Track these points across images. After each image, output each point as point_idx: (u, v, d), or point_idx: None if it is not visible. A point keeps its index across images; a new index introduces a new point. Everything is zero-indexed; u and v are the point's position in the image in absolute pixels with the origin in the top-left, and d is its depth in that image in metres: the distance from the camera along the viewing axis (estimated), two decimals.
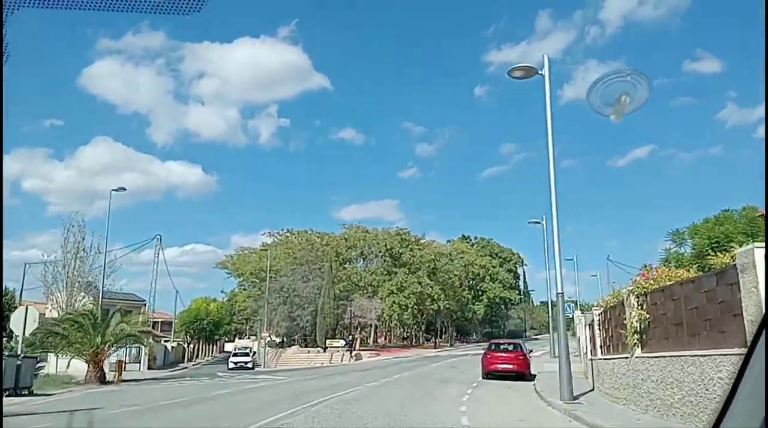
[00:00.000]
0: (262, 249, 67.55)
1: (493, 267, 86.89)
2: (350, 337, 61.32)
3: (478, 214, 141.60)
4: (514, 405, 15.09)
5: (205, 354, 73.42)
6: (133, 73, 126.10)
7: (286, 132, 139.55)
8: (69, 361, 30.91)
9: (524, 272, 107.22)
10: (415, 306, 69.63)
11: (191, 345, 69.49)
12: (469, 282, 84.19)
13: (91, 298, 40.65)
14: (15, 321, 21.75)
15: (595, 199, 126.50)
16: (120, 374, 31.32)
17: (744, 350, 1.57)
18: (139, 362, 44.45)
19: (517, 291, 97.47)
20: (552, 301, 46.32)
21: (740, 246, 8.82)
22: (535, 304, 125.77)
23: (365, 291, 67.51)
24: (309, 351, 56.68)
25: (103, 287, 37.87)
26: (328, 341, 56.11)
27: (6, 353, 23.20)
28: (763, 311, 7.49)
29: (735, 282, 8.47)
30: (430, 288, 68.72)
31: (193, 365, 57.73)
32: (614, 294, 16.68)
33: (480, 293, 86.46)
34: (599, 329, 17.28)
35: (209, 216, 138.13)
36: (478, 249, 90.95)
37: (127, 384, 28.49)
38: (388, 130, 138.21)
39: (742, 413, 1.49)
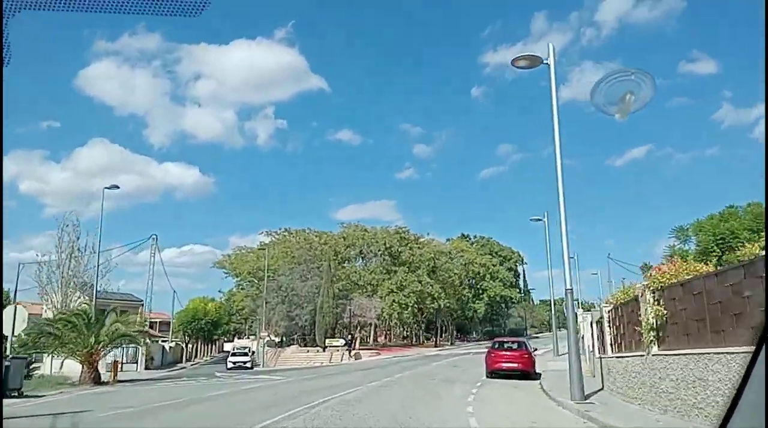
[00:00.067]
0: (260, 249, 67.00)
1: (493, 265, 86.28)
2: (349, 336, 60.74)
3: (476, 214, 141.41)
4: (522, 406, 14.47)
5: (203, 354, 72.78)
6: (130, 74, 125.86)
7: (283, 133, 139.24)
8: (62, 362, 30.20)
9: (524, 270, 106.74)
10: (415, 305, 69.01)
11: (189, 345, 68.84)
12: (469, 280, 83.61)
13: (87, 298, 40.02)
14: (3, 322, 21.09)
15: (593, 198, 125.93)
16: (115, 374, 30.72)
17: None
18: (137, 362, 43.91)
19: (518, 290, 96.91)
20: (555, 300, 45.94)
21: (746, 242, 8.27)
22: (534, 303, 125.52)
23: (364, 290, 66.91)
24: (308, 351, 56.09)
25: (96, 286, 37.18)
26: (327, 340, 55.52)
27: None
28: None
29: (764, 274, 7.89)
30: (430, 287, 68.09)
31: (192, 365, 57.06)
32: (625, 291, 16.12)
33: (480, 291, 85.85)
34: (609, 326, 16.67)
35: (207, 218, 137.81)
36: (478, 247, 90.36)
37: (122, 385, 27.88)
38: (386, 131, 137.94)
39: (749, 412, 1.43)
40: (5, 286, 45.71)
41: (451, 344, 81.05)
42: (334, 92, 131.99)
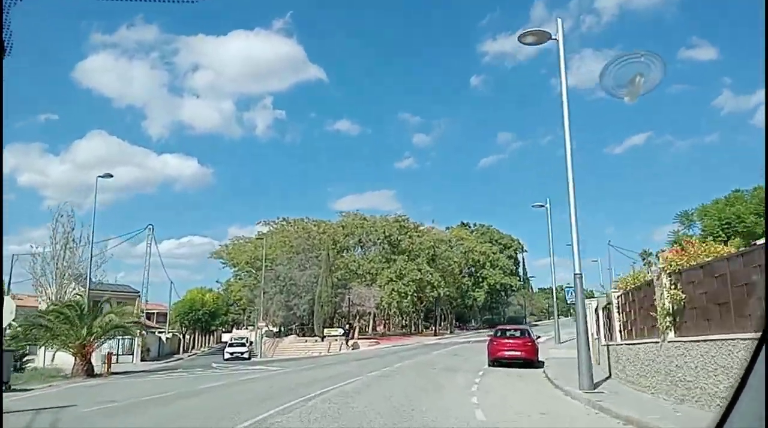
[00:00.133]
0: (257, 238, 66.21)
1: (494, 253, 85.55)
2: (348, 326, 60.17)
3: (475, 203, 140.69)
4: (529, 395, 13.82)
5: (201, 345, 72.29)
6: (128, 66, 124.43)
7: (282, 124, 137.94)
8: (54, 354, 29.57)
9: (523, 258, 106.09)
10: (415, 294, 68.38)
11: (187, 337, 68.30)
12: (469, 268, 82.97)
13: (83, 289, 39.37)
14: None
15: (593, 187, 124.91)
16: (109, 367, 30.16)
17: None
18: (132, 354, 43.37)
19: (518, 278, 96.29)
20: (557, 286, 45.39)
21: (752, 227, 7.58)
22: (534, 291, 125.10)
23: (363, 279, 66.25)
24: (306, 341, 55.58)
25: (89, 277, 36.43)
26: (326, 330, 54.97)
27: None
28: None
29: (764, 263, 7.22)
30: (430, 276, 67.42)
31: (189, 356, 56.55)
32: (635, 276, 15.46)
33: (480, 280, 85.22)
34: (618, 312, 16.01)
35: (206, 209, 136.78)
36: (478, 235, 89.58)
37: (115, 377, 27.29)
38: (384, 121, 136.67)
39: (750, 409, 1.38)
40: None
41: (451, 333, 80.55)
42: (332, 82, 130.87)
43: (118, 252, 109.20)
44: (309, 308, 58.08)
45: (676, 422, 8.97)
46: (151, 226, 58.91)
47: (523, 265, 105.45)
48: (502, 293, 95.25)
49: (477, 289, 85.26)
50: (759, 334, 1.43)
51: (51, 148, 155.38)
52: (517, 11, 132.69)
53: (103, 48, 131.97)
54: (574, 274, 14.46)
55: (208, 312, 71.31)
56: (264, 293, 55.82)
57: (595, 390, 13.20)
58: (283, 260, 61.99)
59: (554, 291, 44.14)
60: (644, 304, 13.12)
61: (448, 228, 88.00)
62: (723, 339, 8.98)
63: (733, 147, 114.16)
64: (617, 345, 16.01)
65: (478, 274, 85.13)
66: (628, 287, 15.03)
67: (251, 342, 50.12)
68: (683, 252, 11.16)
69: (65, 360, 29.54)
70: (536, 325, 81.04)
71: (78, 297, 32.75)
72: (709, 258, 10.21)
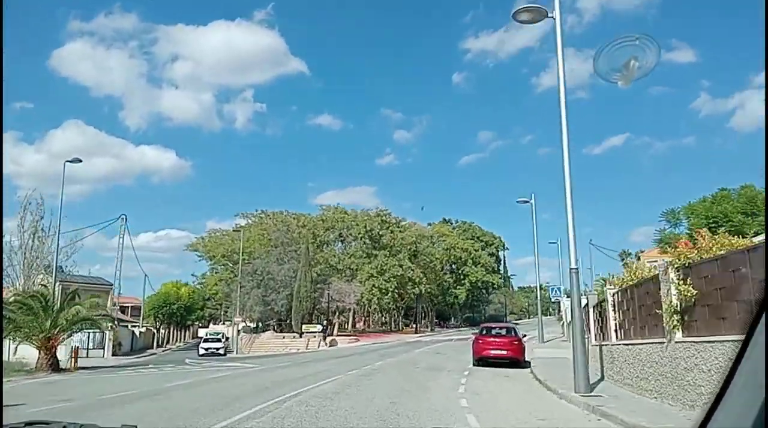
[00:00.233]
0: (235, 231, 64.76)
1: (476, 250, 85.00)
2: (327, 322, 59.02)
3: (456, 201, 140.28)
4: (521, 399, 12.91)
5: (176, 340, 70.57)
6: (105, 55, 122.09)
7: (263, 117, 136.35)
8: (16, 347, 28.08)
9: (504, 256, 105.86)
10: (396, 291, 67.46)
11: (162, 331, 66.53)
12: (450, 265, 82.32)
13: (51, 280, 37.75)
14: None
15: (573, 187, 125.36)
16: (75, 361, 28.77)
17: None
18: (103, 348, 41.78)
19: (499, 275, 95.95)
20: (541, 285, 44.78)
21: (740, 226, 6.75)
22: (514, 289, 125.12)
23: (343, 275, 65.15)
24: (284, 337, 54.31)
25: (56, 267, 34.81)
26: (304, 326, 53.76)
27: None
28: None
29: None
30: (412, 272, 66.56)
31: (163, 351, 55.00)
32: (633, 271, 14.61)
33: (462, 277, 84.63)
34: (614, 311, 15.15)
35: (184, 202, 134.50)
36: (460, 232, 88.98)
37: (81, 373, 25.97)
38: (366, 117, 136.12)
39: (737, 405, 1.33)
40: None
41: (431, 330, 79.82)
42: (314, 76, 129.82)
43: (93, 245, 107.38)
44: (287, 303, 56.79)
45: None
46: (124, 216, 56.87)
47: (504, 263, 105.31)
48: (484, 291, 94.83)
49: (459, 287, 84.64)
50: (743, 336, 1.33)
51: (26, 136, 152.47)
52: (500, 9, 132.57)
53: (80, 36, 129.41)
54: (570, 269, 13.58)
55: (183, 307, 69.44)
56: (241, 287, 54.40)
57: (592, 394, 12.32)
58: (261, 254, 60.61)
59: (538, 287, 43.48)
60: (646, 302, 12.26)
61: (429, 224, 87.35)
62: (740, 341, 8.09)
63: (710, 149, 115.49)
64: (612, 345, 15.16)
65: (459, 271, 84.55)
66: (626, 284, 14.18)
67: (227, 338, 48.75)
68: (692, 246, 10.29)
69: (31, 353, 28.12)
70: (517, 324, 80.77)
71: (42, 287, 31.12)
72: (723, 252, 9.35)
